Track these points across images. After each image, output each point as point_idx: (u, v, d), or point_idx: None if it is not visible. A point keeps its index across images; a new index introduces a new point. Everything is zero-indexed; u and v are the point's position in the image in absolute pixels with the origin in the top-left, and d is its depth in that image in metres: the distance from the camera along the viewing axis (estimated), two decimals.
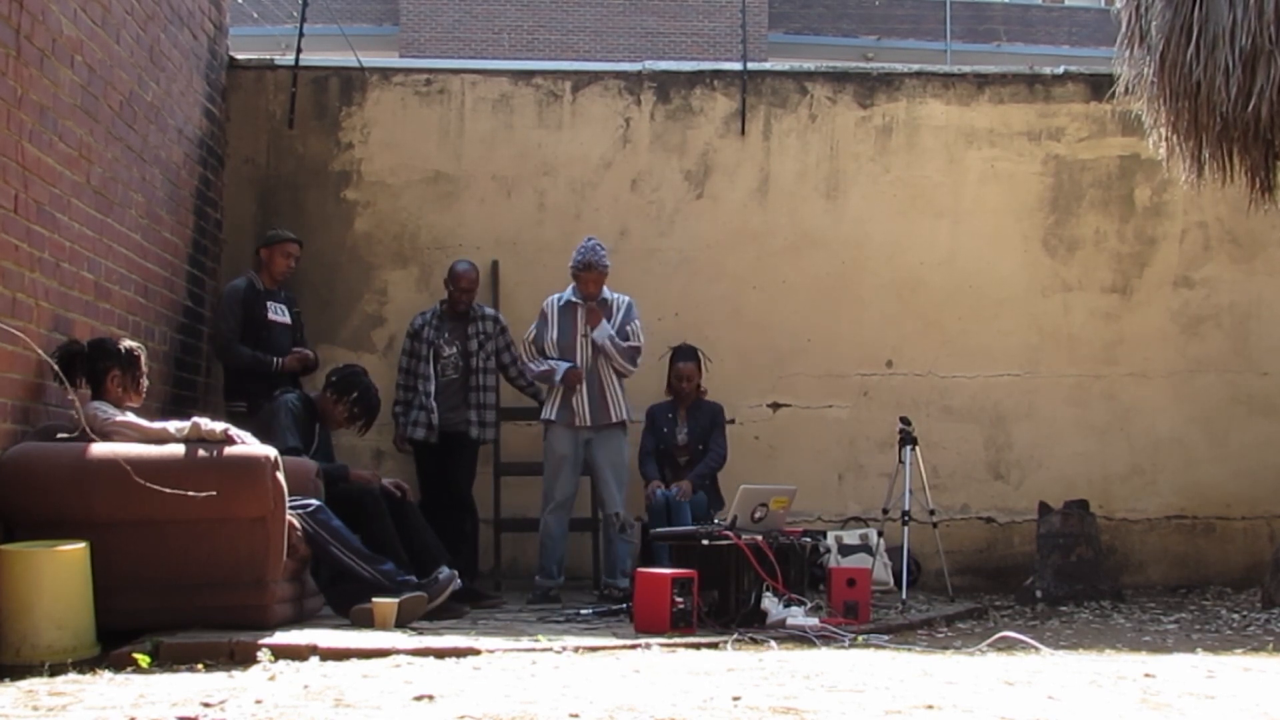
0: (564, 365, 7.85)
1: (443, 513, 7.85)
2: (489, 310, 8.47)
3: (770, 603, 6.54)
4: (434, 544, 7.06)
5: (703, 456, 8.33)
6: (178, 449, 5.65)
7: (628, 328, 7.95)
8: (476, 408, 8.26)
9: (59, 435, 5.61)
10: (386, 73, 9.30)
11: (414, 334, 8.35)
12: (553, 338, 7.90)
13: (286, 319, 8.07)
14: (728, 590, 6.59)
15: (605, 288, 7.99)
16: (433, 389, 8.19)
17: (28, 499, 5.41)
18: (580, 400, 7.84)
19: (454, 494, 8.21)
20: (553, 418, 7.90)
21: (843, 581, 6.97)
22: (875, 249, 9.25)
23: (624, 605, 6.73)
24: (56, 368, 5.63)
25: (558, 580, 7.79)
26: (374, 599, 5.97)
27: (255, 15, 13.04)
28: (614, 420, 7.89)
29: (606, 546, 7.96)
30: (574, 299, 7.95)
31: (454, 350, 8.29)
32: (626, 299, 8.06)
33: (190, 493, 5.37)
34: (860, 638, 6.21)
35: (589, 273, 7.88)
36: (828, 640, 6.10)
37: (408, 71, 9.40)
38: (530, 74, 9.36)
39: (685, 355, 8.48)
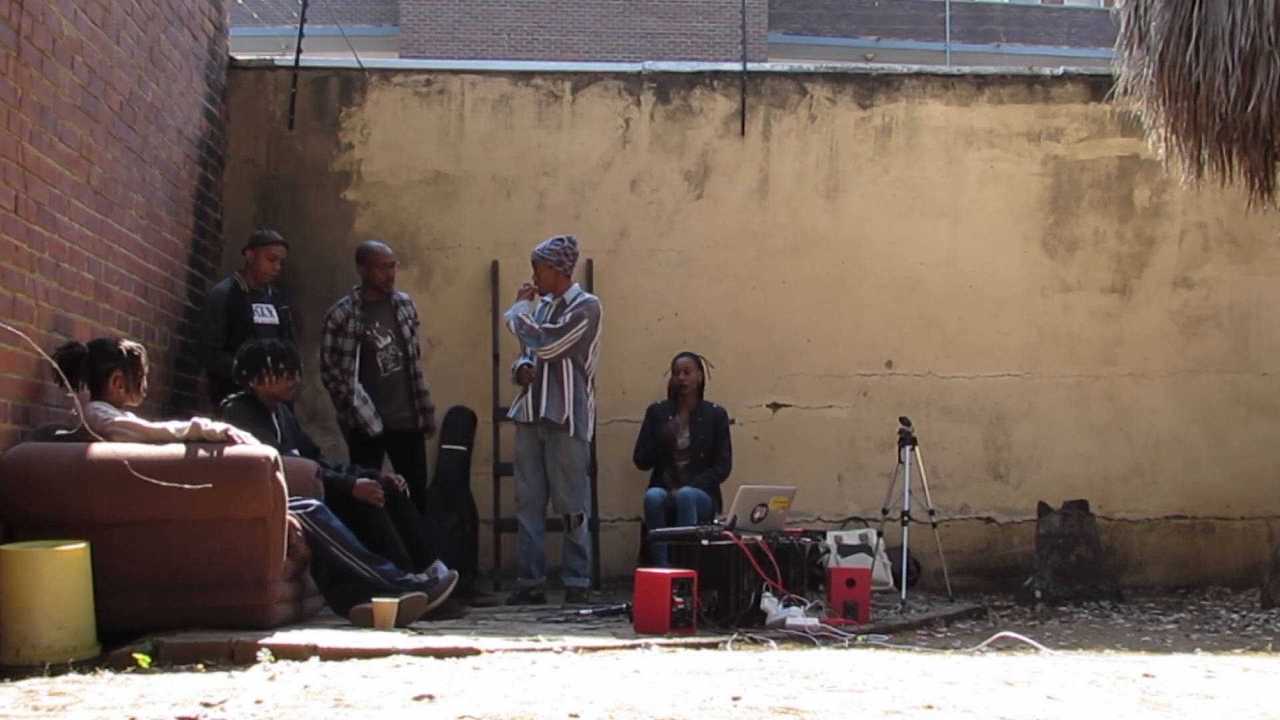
0: (520, 361, 7.85)
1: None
2: (404, 294, 8.17)
3: (770, 603, 6.54)
4: (428, 538, 7.05)
5: (704, 462, 8.33)
6: (178, 449, 5.65)
7: (561, 316, 7.78)
8: (418, 395, 8.02)
9: (57, 432, 5.61)
10: (386, 73, 9.30)
11: (338, 328, 7.86)
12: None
13: (274, 319, 7.92)
14: (727, 590, 6.59)
15: (578, 287, 7.94)
16: (356, 383, 7.79)
17: (28, 499, 5.41)
18: (528, 396, 7.77)
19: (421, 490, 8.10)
20: (512, 415, 7.90)
21: (842, 582, 6.97)
22: (875, 249, 9.25)
23: (624, 606, 6.73)
24: (57, 368, 5.63)
25: (537, 579, 7.69)
26: (374, 599, 5.98)
27: (255, 16, 13.05)
28: (546, 416, 7.69)
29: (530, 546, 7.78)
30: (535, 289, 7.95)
31: (389, 339, 7.96)
32: (586, 298, 7.90)
33: (185, 485, 5.36)
34: (860, 638, 6.21)
35: (537, 265, 7.87)
36: (827, 640, 6.10)
37: (407, 72, 9.39)
38: (530, 74, 9.37)
39: (684, 354, 8.50)
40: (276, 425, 7.01)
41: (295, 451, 6.74)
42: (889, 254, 9.25)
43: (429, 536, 7.04)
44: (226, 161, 8.91)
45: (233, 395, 7.07)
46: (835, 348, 9.17)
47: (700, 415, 8.42)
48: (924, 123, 9.32)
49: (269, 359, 6.98)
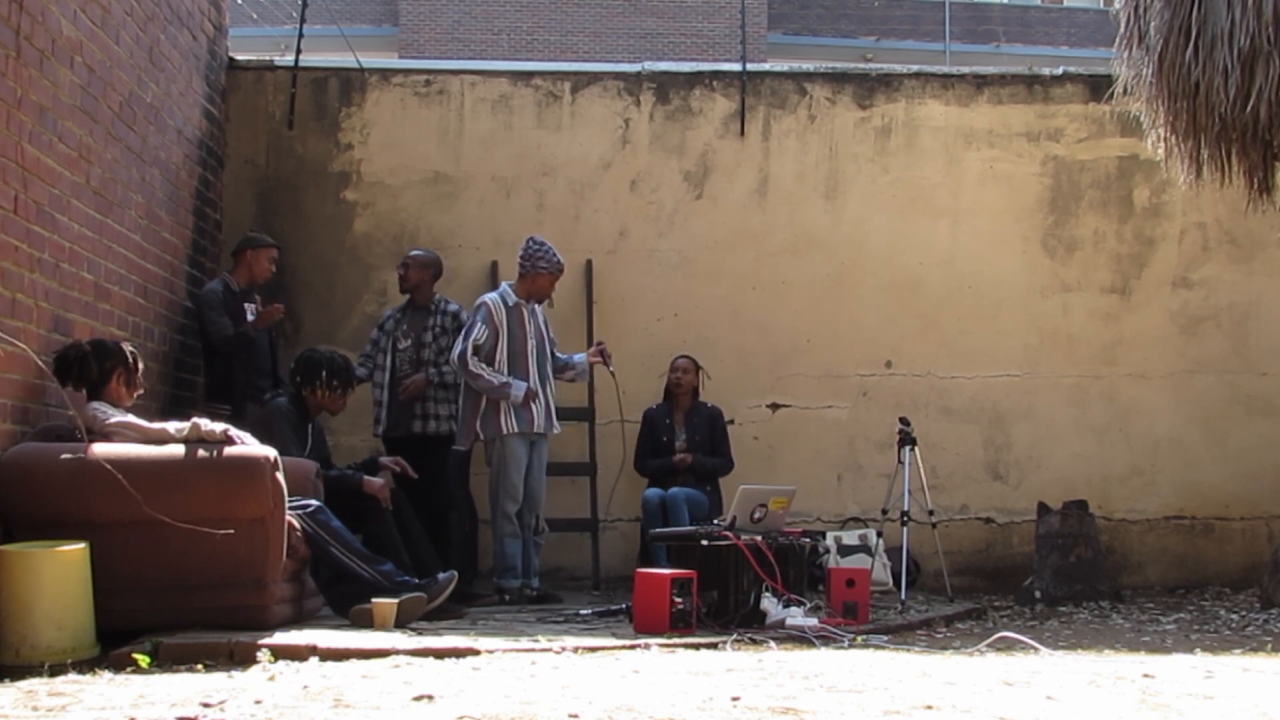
0: (521, 385, 7.65)
1: (428, 515, 7.73)
2: (453, 305, 8.29)
3: (769, 603, 6.54)
4: (428, 552, 7.05)
5: (703, 463, 8.34)
6: (177, 450, 5.65)
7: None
8: (426, 400, 8.10)
9: (64, 456, 5.54)
10: (386, 73, 9.30)
11: (380, 324, 8.30)
12: (503, 345, 7.71)
13: None
14: (727, 591, 6.59)
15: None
16: (386, 380, 8.09)
17: (28, 499, 5.41)
18: (538, 410, 7.71)
19: (435, 496, 8.11)
20: (516, 430, 7.66)
21: (842, 582, 6.98)
22: (874, 249, 9.25)
23: (624, 606, 6.73)
24: (51, 372, 5.62)
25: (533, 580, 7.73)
26: (373, 599, 5.98)
27: (255, 16, 13.05)
28: (555, 431, 7.90)
29: (524, 549, 7.75)
30: (519, 301, 7.78)
31: (408, 344, 8.14)
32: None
33: (205, 529, 5.35)
34: (859, 638, 6.21)
35: (558, 276, 7.89)
36: (827, 641, 6.10)
37: (407, 72, 9.40)
38: (529, 75, 9.37)
39: (683, 355, 8.51)
40: (309, 434, 7.03)
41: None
42: (889, 254, 9.25)
43: (426, 553, 7.02)
44: (226, 162, 8.91)
45: (282, 396, 7.08)
46: (835, 348, 9.17)
47: (696, 415, 8.43)
48: (923, 123, 9.32)
49: (324, 373, 7.13)
